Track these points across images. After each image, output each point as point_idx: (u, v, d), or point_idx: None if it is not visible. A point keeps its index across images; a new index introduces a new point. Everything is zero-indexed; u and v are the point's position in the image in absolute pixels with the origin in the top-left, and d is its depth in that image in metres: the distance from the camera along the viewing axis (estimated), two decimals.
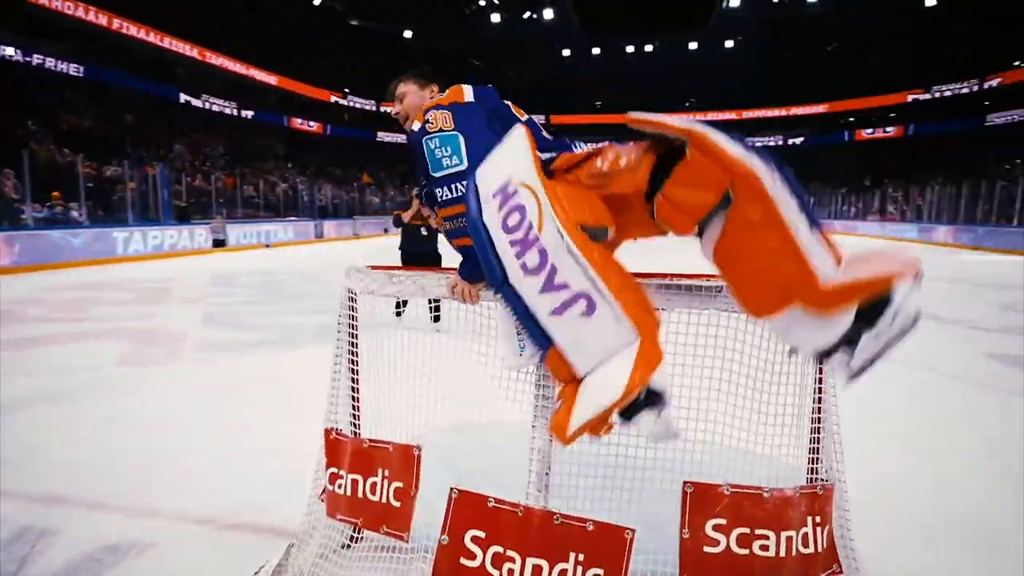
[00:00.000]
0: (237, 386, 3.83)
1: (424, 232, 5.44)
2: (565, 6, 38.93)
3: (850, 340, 1.17)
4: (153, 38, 22.24)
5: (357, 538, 1.87)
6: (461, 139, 1.47)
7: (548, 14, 40.18)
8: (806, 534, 1.46)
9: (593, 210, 1.31)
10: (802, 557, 1.44)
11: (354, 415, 1.85)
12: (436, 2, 37.30)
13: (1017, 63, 29.83)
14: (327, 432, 1.80)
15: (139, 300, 7.22)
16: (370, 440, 1.69)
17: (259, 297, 7.73)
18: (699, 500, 1.45)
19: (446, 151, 1.47)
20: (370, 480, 1.64)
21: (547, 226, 1.22)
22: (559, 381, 1.34)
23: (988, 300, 7.80)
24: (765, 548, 1.42)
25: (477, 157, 1.42)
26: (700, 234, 1.27)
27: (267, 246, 17.30)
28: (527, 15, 40.79)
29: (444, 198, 1.49)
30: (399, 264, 5.37)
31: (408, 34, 39.38)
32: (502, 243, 1.27)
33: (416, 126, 1.56)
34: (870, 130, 36.78)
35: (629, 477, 1.54)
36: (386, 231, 25.98)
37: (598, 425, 1.25)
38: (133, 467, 2.60)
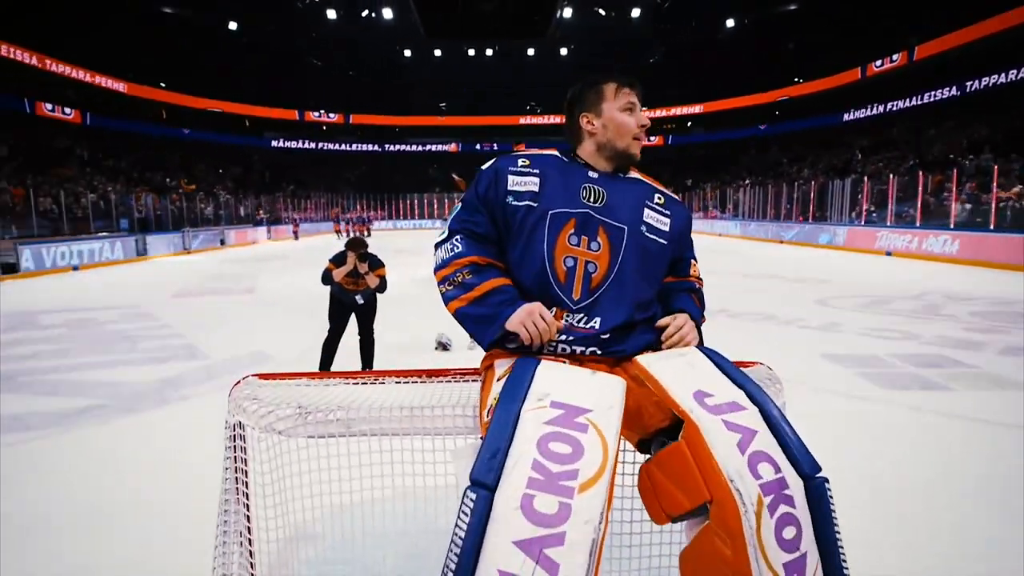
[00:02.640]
0: (67, 485, 3.10)
1: (360, 300, 4.45)
2: (405, 6, 38.27)
3: None
4: None
5: None
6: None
7: (387, 14, 39.20)
8: None
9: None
10: None
11: None
12: None
13: (797, 80, 35.28)
14: None
15: None
16: None
17: (73, 344, 6.50)
18: None
19: None
20: None
21: (593, 492, 0.96)
22: None
23: (806, 296, 8.93)
24: None
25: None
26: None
27: (75, 269, 14.87)
28: (365, 13, 39.47)
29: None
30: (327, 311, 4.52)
31: (233, 26, 36.28)
32: (526, 455, 1.01)
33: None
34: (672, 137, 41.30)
35: None
36: (222, 243, 23.67)
37: None
38: None
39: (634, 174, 1.58)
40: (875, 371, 4.85)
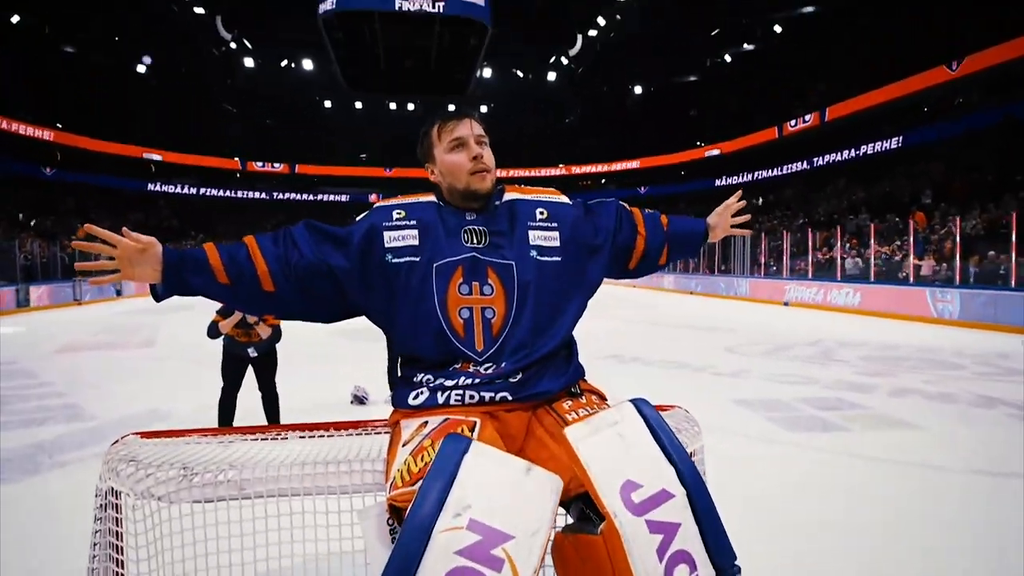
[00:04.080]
0: None
1: (253, 353, 4.09)
2: (325, 58, 38.36)
3: None
4: None
5: None
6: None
7: (307, 64, 39.15)
8: None
9: None
10: None
11: None
12: (177, 37, 33.74)
13: (699, 143, 38.15)
14: None
15: None
16: None
17: None
18: None
19: None
20: None
21: None
22: None
23: (715, 344, 9.33)
24: None
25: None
26: None
27: None
28: (284, 63, 39.24)
29: None
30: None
31: (142, 68, 34.95)
32: None
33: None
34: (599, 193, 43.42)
35: None
36: (119, 293, 21.99)
37: None
38: None
39: (512, 194, 1.47)
40: (781, 415, 5.07)
